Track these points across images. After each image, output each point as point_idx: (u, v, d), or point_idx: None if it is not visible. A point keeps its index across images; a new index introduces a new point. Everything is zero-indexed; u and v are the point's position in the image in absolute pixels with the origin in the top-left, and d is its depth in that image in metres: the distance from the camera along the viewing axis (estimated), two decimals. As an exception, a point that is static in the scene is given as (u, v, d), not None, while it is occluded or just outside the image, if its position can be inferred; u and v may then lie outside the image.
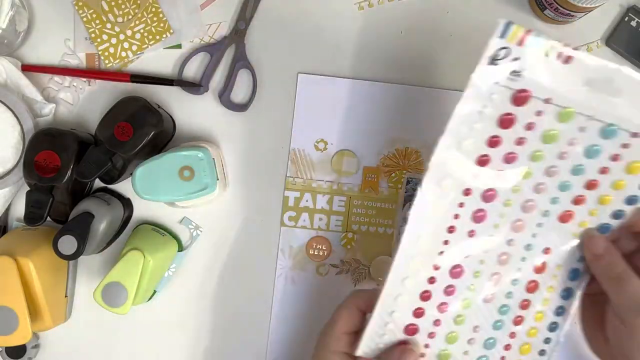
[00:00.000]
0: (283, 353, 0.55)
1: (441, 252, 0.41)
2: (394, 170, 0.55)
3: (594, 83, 0.39)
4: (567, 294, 0.44)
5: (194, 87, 0.54)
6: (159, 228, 0.54)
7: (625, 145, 0.41)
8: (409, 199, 0.53)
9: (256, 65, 0.54)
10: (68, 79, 0.54)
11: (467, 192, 0.40)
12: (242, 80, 0.55)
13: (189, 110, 0.55)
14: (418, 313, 0.41)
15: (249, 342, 0.55)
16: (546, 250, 0.43)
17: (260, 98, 0.55)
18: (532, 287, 0.43)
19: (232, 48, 0.55)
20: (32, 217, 0.48)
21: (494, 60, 0.38)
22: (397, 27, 0.55)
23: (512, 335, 0.43)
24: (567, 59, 0.38)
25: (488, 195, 0.41)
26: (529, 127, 0.40)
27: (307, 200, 0.55)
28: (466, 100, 0.39)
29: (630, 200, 0.42)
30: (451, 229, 0.41)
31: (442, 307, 0.42)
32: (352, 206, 0.55)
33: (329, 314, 0.55)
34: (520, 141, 0.40)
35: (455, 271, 0.42)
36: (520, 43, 0.38)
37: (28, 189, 0.48)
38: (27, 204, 0.48)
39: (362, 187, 0.55)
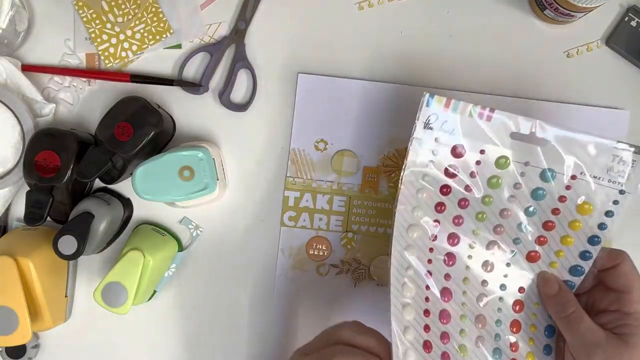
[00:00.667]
0: (283, 352, 0.55)
1: (426, 297, 0.44)
2: (394, 170, 0.54)
3: (518, 136, 0.44)
4: (550, 332, 0.45)
5: (194, 87, 0.54)
6: (159, 228, 0.54)
7: (568, 187, 0.44)
8: None
9: (256, 65, 0.54)
10: (68, 79, 0.54)
11: (434, 238, 0.45)
12: (242, 80, 0.55)
13: (189, 110, 0.55)
14: None
15: (249, 342, 0.55)
16: (520, 290, 0.45)
17: (260, 98, 0.55)
18: (516, 329, 0.45)
19: (232, 48, 0.54)
20: (32, 217, 0.48)
21: (427, 125, 0.45)
22: (397, 27, 0.55)
23: None
24: (488, 118, 0.44)
25: (452, 242, 0.45)
26: (472, 175, 0.45)
27: (307, 200, 0.55)
28: (412, 156, 0.45)
29: (593, 241, 0.44)
30: (429, 266, 0.44)
31: (444, 356, 0.43)
32: (352, 206, 0.55)
33: (328, 313, 0.55)
34: (468, 188, 0.45)
35: (444, 316, 0.44)
36: (446, 108, 0.44)
37: (28, 189, 0.48)
38: (27, 204, 0.48)
39: (362, 187, 0.54)
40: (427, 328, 0.44)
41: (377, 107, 0.54)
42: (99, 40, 0.54)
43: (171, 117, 0.54)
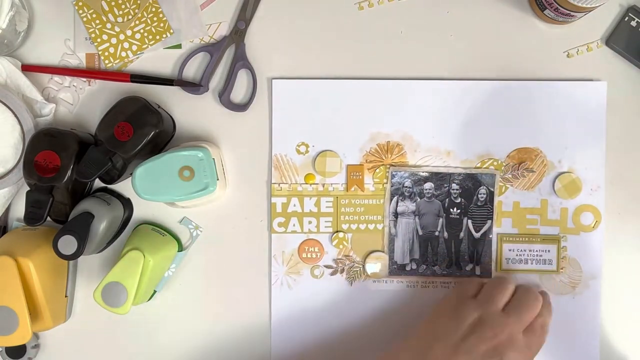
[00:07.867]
0: (285, 353, 0.55)
1: None
2: (378, 166, 0.54)
3: None
4: None
5: (194, 87, 0.54)
6: (159, 228, 0.54)
7: None
8: (395, 192, 0.54)
9: (256, 65, 0.54)
10: (68, 79, 0.54)
11: None
12: (242, 80, 0.55)
13: (189, 110, 0.55)
14: None
15: (250, 342, 0.55)
16: None
17: (260, 98, 0.55)
18: None
19: (232, 48, 0.55)
20: (32, 217, 0.48)
21: None
22: (397, 27, 0.55)
23: None
24: None
25: None
26: None
27: (294, 205, 0.54)
28: None
29: None
30: None
31: None
32: (340, 206, 0.54)
33: (327, 314, 0.55)
34: None
35: None
36: None
37: (28, 189, 0.48)
38: (27, 204, 0.48)
39: (347, 186, 0.54)
40: None
41: (354, 104, 0.54)
42: (99, 40, 0.54)
43: (171, 117, 0.54)
